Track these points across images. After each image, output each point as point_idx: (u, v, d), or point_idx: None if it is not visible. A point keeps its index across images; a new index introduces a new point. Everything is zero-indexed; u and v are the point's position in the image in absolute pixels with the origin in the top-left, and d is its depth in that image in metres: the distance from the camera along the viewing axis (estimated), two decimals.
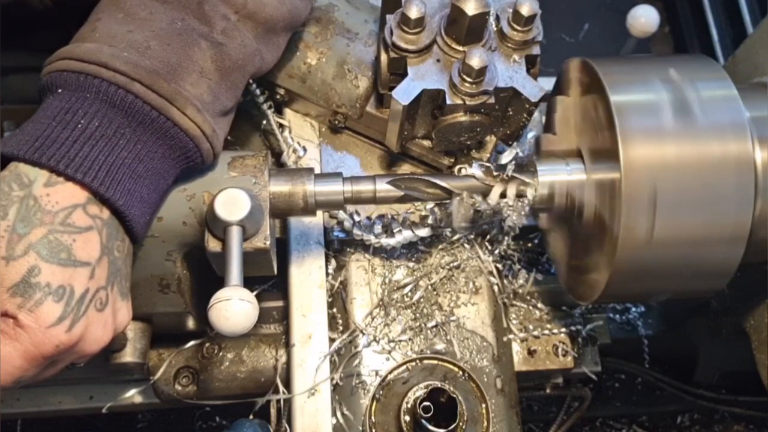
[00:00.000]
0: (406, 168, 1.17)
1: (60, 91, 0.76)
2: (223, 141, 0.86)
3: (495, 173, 0.94)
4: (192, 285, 0.98)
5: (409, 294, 1.11)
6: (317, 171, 1.12)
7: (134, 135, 0.76)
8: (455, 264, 1.12)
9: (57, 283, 0.70)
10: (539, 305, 1.18)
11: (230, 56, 0.85)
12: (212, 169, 0.87)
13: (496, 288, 1.13)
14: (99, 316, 0.76)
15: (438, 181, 0.93)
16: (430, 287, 1.12)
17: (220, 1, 0.85)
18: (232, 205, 0.79)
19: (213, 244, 0.83)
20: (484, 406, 1.02)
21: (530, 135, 1.21)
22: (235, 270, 0.78)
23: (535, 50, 0.98)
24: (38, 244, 0.70)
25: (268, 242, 0.85)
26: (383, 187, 0.93)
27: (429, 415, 0.95)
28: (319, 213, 1.08)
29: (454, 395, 0.96)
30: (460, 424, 0.96)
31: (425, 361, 1.06)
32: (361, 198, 0.93)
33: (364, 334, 1.08)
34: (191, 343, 1.14)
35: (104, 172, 0.73)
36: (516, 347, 1.16)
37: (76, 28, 0.83)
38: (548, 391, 1.28)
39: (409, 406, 1.00)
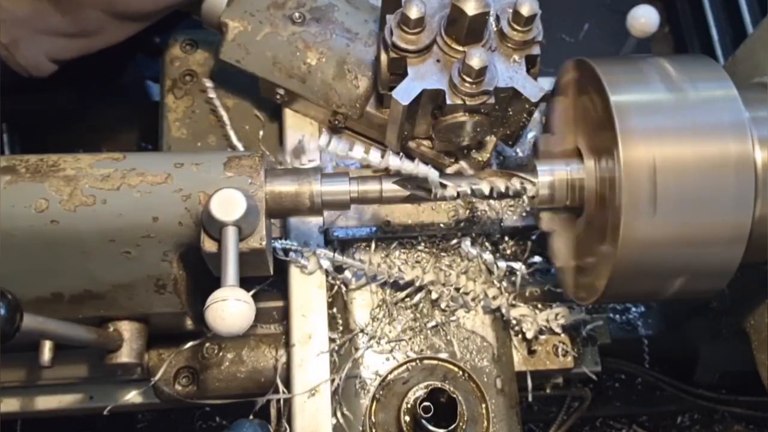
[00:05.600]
0: None
1: None
2: (56, 61, 0.89)
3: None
4: (188, 285, 0.98)
5: (410, 294, 1.11)
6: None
7: None
8: (456, 264, 1.12)
9: None
10: (539, 305, 1.17)
11: None
12: (208, 170, 0.87)
13: (496, 289, 1.13)
14: None
15: (444, 181, 0.93)
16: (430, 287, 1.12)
17: None
18: (227, 205, 0.79)
19: (209, 245, 0.83)
20: (484, 406, 1.02)
21: (530, 135, 1.21)
22: (231, 270, 0.78)
23: (535, 50, 0.98)
24: None
25: (263, 242, 0.84)
26: (389, 186, 0.92)
27: (429, 415, 0.95)
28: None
29: (454, 395, 0.96)
30: (460, 424, 0.96)
31: (425, 361, 1.05)
32: (368, 198, 0.93)
33: (364, 334, 1.08)
34: (191, 343, 1.14)
35: None
36: (516, 347, 1.15)
37: None
38: (548, 391, 1.28)
39: (409, 406, 1.00)
